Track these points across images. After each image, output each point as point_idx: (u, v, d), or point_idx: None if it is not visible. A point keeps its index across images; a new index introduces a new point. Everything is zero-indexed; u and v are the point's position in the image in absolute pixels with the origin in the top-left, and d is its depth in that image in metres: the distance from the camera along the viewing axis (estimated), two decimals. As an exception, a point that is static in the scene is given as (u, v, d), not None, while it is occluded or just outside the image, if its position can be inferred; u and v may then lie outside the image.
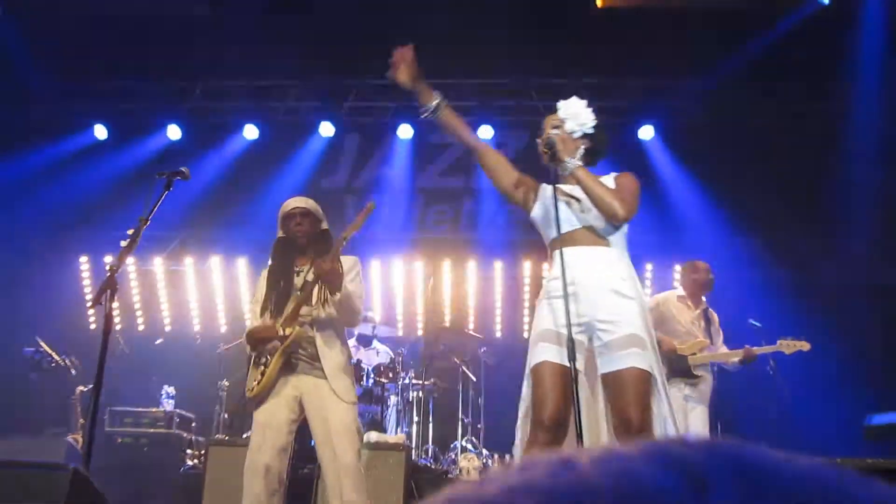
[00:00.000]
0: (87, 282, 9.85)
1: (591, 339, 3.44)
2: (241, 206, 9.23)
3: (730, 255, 9.16)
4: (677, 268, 9.16)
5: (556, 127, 3.67)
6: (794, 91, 9.13)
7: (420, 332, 9.06)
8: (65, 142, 9.83)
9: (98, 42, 8.92)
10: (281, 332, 4.31)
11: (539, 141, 3.71)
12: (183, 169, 4.25)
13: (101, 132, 9.80)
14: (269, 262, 4.62)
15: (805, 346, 6.38)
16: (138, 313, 9.94)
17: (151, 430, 6.89)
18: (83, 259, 9.95)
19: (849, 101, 8.95)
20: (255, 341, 4.38)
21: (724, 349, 6.53)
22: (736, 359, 6.41)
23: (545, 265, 3.76)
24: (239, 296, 9.72)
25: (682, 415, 6.37)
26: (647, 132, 9.32)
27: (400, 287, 9.64)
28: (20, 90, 9.50)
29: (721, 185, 9.06)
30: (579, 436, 3.18)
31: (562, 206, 3.52)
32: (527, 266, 9.46)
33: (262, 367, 4.32)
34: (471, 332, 8.37)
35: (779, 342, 6.41)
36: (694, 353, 6.34)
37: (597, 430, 3.47)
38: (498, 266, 9.46)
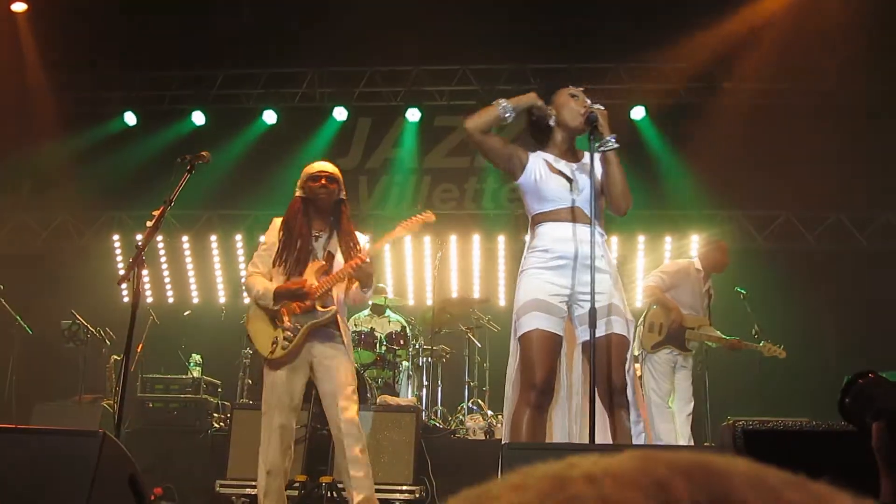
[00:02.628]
0: (119, 258, 9.84)
1: (570, 308, 3.43)
2: (262, 186, 9.19)
3: (713, 226, 9.10)
4: (667, 238, 9.15)
5: (596, 105, 3.56)
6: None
7: (429, 302, 9.03)
8: (97, 128, 9.80)
9: (128, 34, 8.87)
10: (314, 296, 4.22)
11: (567, 105, 3.59)
12: (203, 153, 4.19)
13: (130, 119, 9.77)
14: (286, 217, 4.43)
15: (781, 353, 6.55)
16: (168, 287, 9.92)
17: (180, 396, 6.88)
18: (115, 237, 9.94)
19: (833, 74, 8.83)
20: (286, 298, 4.23)
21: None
22: (727, 345, 6.45)
23: (525, 237, 3.66)
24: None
25: (671, 374, 6.37)
26: (638, 113, 9.23)
27: (410, 260, 9.62)
28: (54, 81, 9.46)
29: (707, 161, 8.97)
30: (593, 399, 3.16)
31: (558, 183, 3.47)
32: (527, 240, 9.39)
33: (286, 332, 4.24)
34: (476, 301, 8.33)
35: (762, 344, 6.55)
36: (693, 328, 6.34)
37: (577, 390, 3.50)
38: (500, 239, 9.42)
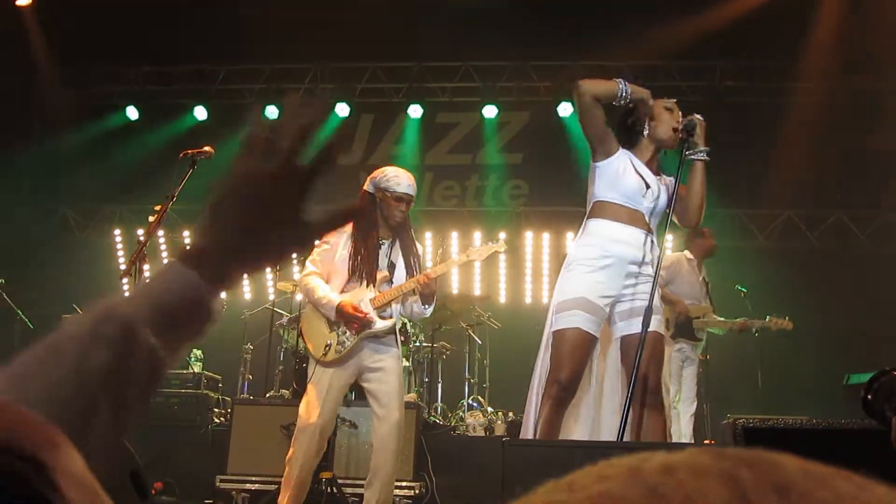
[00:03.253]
0: (120, 253, 9.85)
1: (611, 308, 3.47)
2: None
3: (715, 225, 9.10)
4: (669, 236, 9.15)
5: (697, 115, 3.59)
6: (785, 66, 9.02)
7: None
8: (99, 122, 9.81)
9: (129, 29, 8.87)
10: (371, 320, 4.24)
11: (662, 114, 3.60)
12: (206, 148, 4.20)
13: (132, 113, 9.78)
14: (356, 221, 4.26)
15: (789, 325, 6.64)
16: (169, 282, 9.91)
17: (181, 391, 6.89)
18: (117, 231, 9.94)
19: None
20: (347, 321, 4.22)
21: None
22: (735, 328, 6.51)
23: (579, 232, 3.64)
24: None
25: (678, 371, 6.40)
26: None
27: (428, 259, 9.62)
28: (57, 75, 9.48)
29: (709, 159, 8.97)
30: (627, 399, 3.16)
31: (637, 185, 3.47)
32: (528, 236, 9.43)
33: (341, 337, 4.25)
34: (476, 298, 8.34)
35: (768, 318, 6.56)
36: (698, 318, 6.40)
37: (612, 386, 3.53)
38: (501, 237, 9.38)
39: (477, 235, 9.42)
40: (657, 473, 0.39)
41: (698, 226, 3.56)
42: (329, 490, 5.04)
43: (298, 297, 4.57)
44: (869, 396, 1.40)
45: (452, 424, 6.95)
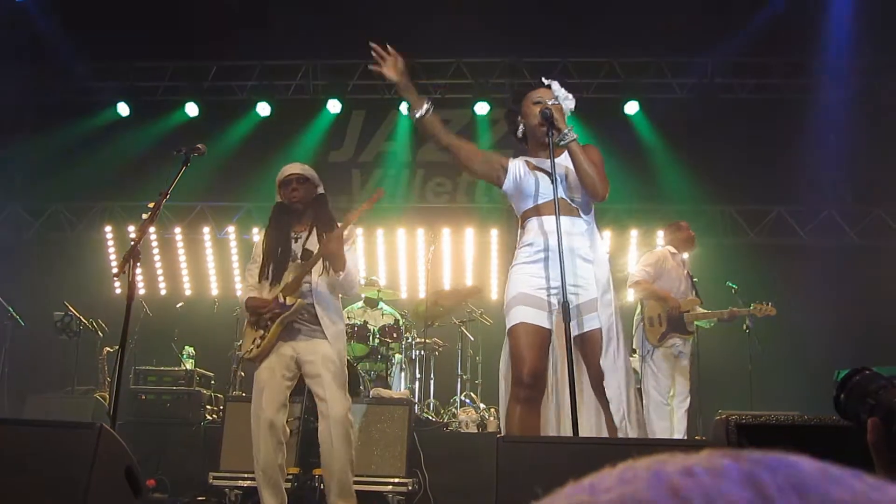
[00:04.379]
0: (112, 250, 9.82)
1: (560, 302, 3.47)
2: (255, 178, 9.17)
3: (706, 221, 9.15)
4: (659, 233, 9.20)
5: (554, 102, 3.62)
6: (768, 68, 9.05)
7: (422, 295, 9.05)
8: (90, 118, 9.77)
9: (121, 24, 8.84)
10: (282, 300, 4.27)
11: (530, 111, 3.63)
12: (199, 145, 4.20)
13: (123, 109, 9.75)
14: (266, 227, 4.55)
15: (772, 311, 6.64)
16: (161, 279, 9.91)
17: (173, 388, 6.88)
18: (108, 228, 9.91)
19: (820, 76, 8.89)
20: (254, 314, 4.35)
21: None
22: (724, 318, 6.57)
23: (518, 238, 3.73)
24: (253, 262, 9.71)
25: (671, 368, 6.42)
26: (632, 107, 9.25)
27: (403, 253, 9.64)
28: (47, 70, 9.44)
29: (700, 156, 9.02)
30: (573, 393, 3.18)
31: (537, 178, 3.51)
32: (520, 233, 9.43)
33: (261, 331, 4.31)
34: (466, 290, 8.34)
35: (753, 306, 6.62)
36: (688, 311, 6.44)
37: (570, 383, 3.52)
38: (493, 233, 9.44)
39: (469, 231, 9.44)
40: (679, 475, 0.40)
41: (604, 199, 3.55)
42: (322, 487, 5.05)
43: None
44: (842, 396, 1.38)
45: (445, 421, 6.96)
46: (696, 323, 6.57)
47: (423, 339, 7.32)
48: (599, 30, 8.71)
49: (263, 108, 9.67)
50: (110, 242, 9.84)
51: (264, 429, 4.23)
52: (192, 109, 9.67)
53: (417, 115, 3.60)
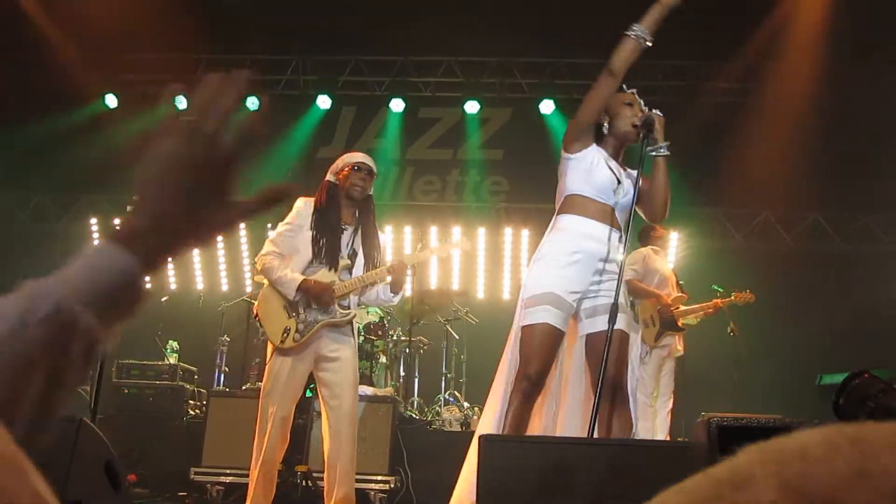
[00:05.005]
0: (97, 242, 9.73)
1: (579, 303, 3.47)
2: (243, 172, 9.11)
3: (695, 224, 9.18)
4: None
5: (654, 110, 3.58)
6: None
7: (408, 293, 9.05)
8: (78, 110, 9.72)
9: (108, 16, 8.78)
10: (334, 302, 4.22)
11: (622, 111, 3.60)
12: (185, 138, 4.16)
13: (111, 101, 9.69)
14: (319, 205, 4.30)
15: (751, 297, 6.81)
16: (145, 272, 9.84)
17: (156, 382, 6.85)
18: (94, 220, 9.86)
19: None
20: (311, 298, 4.20)
21: None
22: (710, 311, 6.65)
23: (550, 226, 3.62)
24: (240, 258, 9.68)
25: (657, 369, 6.46)
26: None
27: (390, 251, 9.58)
28: (35, 61, 9.37)
29: (688, 158, 9.03)
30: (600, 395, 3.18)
31: (607, 180, 3.47)
32: (507, 232, 9.45)
33: (299, 324, 4.21)
34: (454, 293, 8.35)
35: (733, 295, 6.81)
36: (678, 308, 6.50)
37: (573, 382, 3.53)
38: (481, 232, 9.44)
39: (456, 230, 9.44)
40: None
41: (664, 220, 3.55)
42: (304, 484, 5.04)
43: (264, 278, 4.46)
44: (841, 400, 1.38)
45: (429, 419, 6.96)
46: (683, 321, 6.62)
47: (408, 338, 7.31)
48: (592, 31, 8.71)
49: (253, 103, 9.61)
50: (96, 235, 9.79)
51: (277, 423, 4.15)
52: (180, 103, 9.59)
53: (645, 38, 3.54)
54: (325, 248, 4.24)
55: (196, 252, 9.70)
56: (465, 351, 7.83)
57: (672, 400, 6.53)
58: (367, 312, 7.77)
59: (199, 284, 9.70)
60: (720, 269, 8.38)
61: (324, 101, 9.59)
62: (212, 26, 9.04)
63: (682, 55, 8.88)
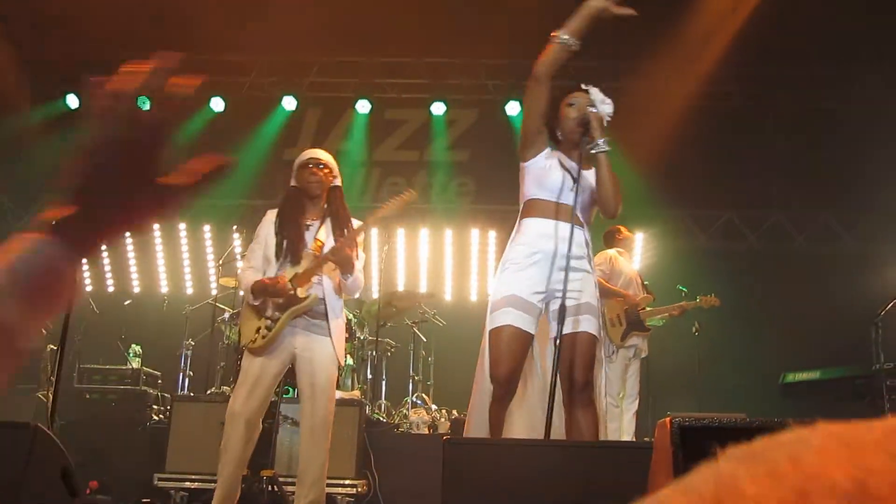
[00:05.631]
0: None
1: (547, 304, 3.47)
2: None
3: (659, 225, 9.25)
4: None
5: (591, 106, 3.58)
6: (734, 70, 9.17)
7: (375, 295, 9.01)
8: (38, 110, 9.57)
9: (71, 14, 8.66)
10: (292, 290, 4.16)
11: (565, 112, 3.60)
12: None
13: (73, 101, 9.56)
14: (279, 209, 4.36)
15: (716, 301, 6.84)
16: (108, 276, 9.73)
17: (119, 387, 6.76)
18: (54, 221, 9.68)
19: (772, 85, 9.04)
20: (263, 294, 4.19)
21: None
22: (675, 313, 6.69)
23: (514, 232, 3.67)
24: (205, 260, 9.58)
25: (624, 370, 6.50)
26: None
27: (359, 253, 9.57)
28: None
29: (652, 160, 9.10)
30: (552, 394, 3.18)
31: (562, 179, 3.48)
32: (474, 234, 9.45)
33: (266, 320, 4.18)
34: (422, 296, 8.33)
35: (699, 298, 6.82)
36: (644, 308, 6.55)
37: (541, 385, 3.54)
38: (448, 234, 9.44)
39: (423, 232, 9.42)
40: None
41: (617, 215, 3.56)
42: (270, 488, 4.99)
43: (241, 292, 4.45)
44: None
45: (396, 422, 6.93)
46: (649, 322, 6.67)
47: (375, 340, 7.28)
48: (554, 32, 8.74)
49: (217, 104, 9.56)
50: (57, 238, 9.63)
51: (241, 424, 4.10)
52: (142, 104, 9.50)
53: (571, 44, 3.51)
54: (286, 246, 4.22)
55: (160, 254, 9.60)
56: (432, 353, 7.82)
57: (638, 401, 6.57)
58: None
59: (164, 287, 9.58)
60: (685, 269, 8.45)
61: (289, 103, 9.53)
62: (173, 25, 8.95)
63: (645, 56, 8.93)
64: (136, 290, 9.61)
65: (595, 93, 3.65)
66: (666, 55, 8.80)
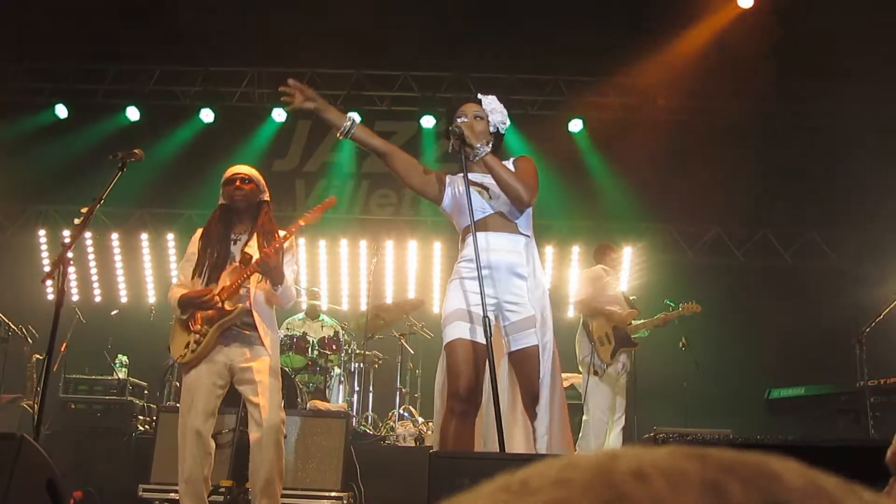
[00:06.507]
0: (45, 254, 9.58)
1: (497, 318, 3.48)
2: (197, 185, 9.04)
3: (647, 239, 9.30)
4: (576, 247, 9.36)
5: (478, 116, 3.60)
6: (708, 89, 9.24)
7: (363, 307, 9.01)
8: (27, 119, 9.54)
9: (63, 24, 8.66)
10: (219, 303, 4.15)
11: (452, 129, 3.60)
12: (136, 150, 4.11)
13: (62, 111, 9.55)
14: (205, 226, 4.40)
15: (698, 308, 6.82)
16: (96, 285, 9.69)
17: (105, 397, 6.72)
18: (42, 232, 9.67)
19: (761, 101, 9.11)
20: (191, 307, 4.18)
21: None
22: (659, 324, 6.70)
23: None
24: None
25: (613, 385, 6.51)
26: (576, 125, 9.35)
27: (345, 265, 9.59)
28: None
29: (641, 175, 9.16)
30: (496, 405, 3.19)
31: (473, 194, 3.49)
32: (460, 247, 9.45)
33: (195, 335, 4.16)
34: (410, 304, 8.33)
35: (681, 306, 6.82)
36: (629, 324, 6.57)
37: (504, 400, 3.52)
38: (437, 246, 9.45)
39: (412, 244, 9.44)
40: (629, 479, 0.33)
41: (529, 206, 3.55)
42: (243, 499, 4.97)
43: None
44: None
45: (383, 434, 6.92)
46: (634, 335, 6.69)
47: (362, 352, 7.28)
48: (546, 47, 8.81)
49: (207, 115, 9.56)
50: (44, 247, 9.61)
51: (191, 438, 4.08)
52: (133, 113, 9.52)
53: (342, 132, 3.60)
54: (214, 259, 4.23)
55: (148, 264, 9.57)
56: (419, 366, 7.81)
57: (624, 417, 6.59)
58: (322, 326, 7.73)
59: (151, 298, 9.55)
60: (672, 284, 8.49)
61: (279, 115, 9.54)
62: (165, 37, 8.97)
63: (633, 73, 9.00)
64: (124, 300, 9.58)
65: (488, 101, 3.66)
66: (654, 71, 8.88)
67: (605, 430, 6.42)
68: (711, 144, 9.04)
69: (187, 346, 4.18)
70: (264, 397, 4.13)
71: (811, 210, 9.15)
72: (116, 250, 9.72)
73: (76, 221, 3.85)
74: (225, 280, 4.20)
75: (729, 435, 2.02)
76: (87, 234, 9.04)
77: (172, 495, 5.50)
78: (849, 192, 8.83)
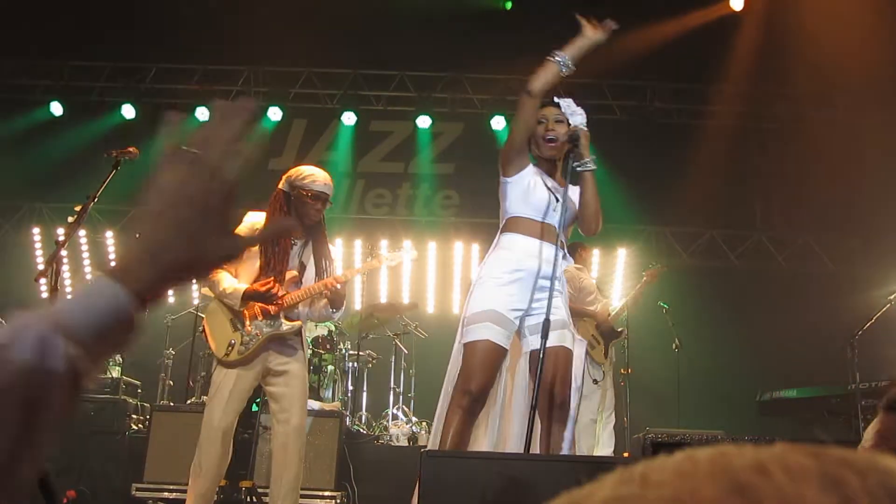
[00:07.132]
0: (38, 252, 9.56)
1: (521, 321, 3.49)
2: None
3: (641, 242, 9.32)
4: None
5: (559, 120, 3.60)
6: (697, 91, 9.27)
7: (357, 307, 9.02)
8: (21, 117, 9.53)
9: (58, 21, 8.66)
10: (282, 302, 4.16)
11: (554, 131, 3.59)
12: (131, 148, 4.12)
13: (57, 109, 9.54)
14: (270, 215, 4.18)
15: (662, 268, 6.95)
16: (89, 283, 9.67)
17: (98, 396, 6.70)
18: (36, 230, 9.66)
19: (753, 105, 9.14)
20: (253, 300, 4.13)
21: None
22: (631, 303, 6.71)
23: (492, 246, 3.66)
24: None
25: (603, 383, 6.53)
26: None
27: (340, 264, 9.55)
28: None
29: (637, 177, 9.17)
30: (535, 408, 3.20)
31: (549, 198, 3.49)
32: (458, 247, 9.48)
33: (244, 335, 4.17)
34: (404, 306, 8.35)
35: (644, 275, 6.89)
36: (609, 315, 6.59)
37: (517, 400, 3.54)
38: (431, 246, 9.46)
39: (407, 244, 9.42)
40: (749, 472, 0.35)
41: (596, 234, 3.59)
42: (249, 499, 4.98)
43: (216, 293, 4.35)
44: None
45: (376, 434, 6.93)
46: (616, 324, 6.69)
47: (356, 351, 7.29)
48: (542, 49, 8.81)
49: (203, 113, 9.56)
50: (38, 245, 9.59)
51: (217, 436, 4.08)
52: (128, 111, 9.52)
53: (567, 67, 3.54)
54: (272, 260, 4.19)
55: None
56: (413, 365, 7.82)
57: (614, 416, 6.59)
58: (316, 326, 7.73)
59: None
60: (666, 286, 8.50)
61: (275, 113, 9.55)
62: (162, 35, 8.97)
63: (633, 75, 9.03)
64: (118, 298, 9.56)
65: (566, 104, 3.66)
66: (653, 74, 8.90)
67: (593, 431, 6.42)
68: (707, 148, 9.06)
69: (230, 344, 4.18)
70: (296, 400, 4.20)
71: (805, 215, 9.18)
72: (111, 248, 9.71)
73: (70, 219, 3.87)
74: (283, 288, 4.19)
75: (717, 435, 2.04)
76: (82, 233, 9.03)
77: (166, 494, 5.52)
78: (842, 197, 8.86)
